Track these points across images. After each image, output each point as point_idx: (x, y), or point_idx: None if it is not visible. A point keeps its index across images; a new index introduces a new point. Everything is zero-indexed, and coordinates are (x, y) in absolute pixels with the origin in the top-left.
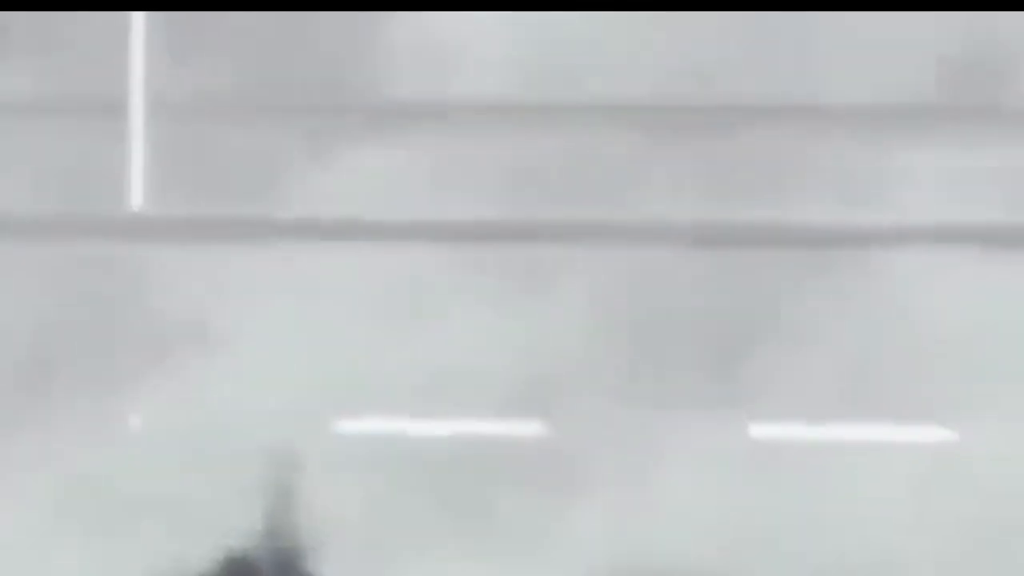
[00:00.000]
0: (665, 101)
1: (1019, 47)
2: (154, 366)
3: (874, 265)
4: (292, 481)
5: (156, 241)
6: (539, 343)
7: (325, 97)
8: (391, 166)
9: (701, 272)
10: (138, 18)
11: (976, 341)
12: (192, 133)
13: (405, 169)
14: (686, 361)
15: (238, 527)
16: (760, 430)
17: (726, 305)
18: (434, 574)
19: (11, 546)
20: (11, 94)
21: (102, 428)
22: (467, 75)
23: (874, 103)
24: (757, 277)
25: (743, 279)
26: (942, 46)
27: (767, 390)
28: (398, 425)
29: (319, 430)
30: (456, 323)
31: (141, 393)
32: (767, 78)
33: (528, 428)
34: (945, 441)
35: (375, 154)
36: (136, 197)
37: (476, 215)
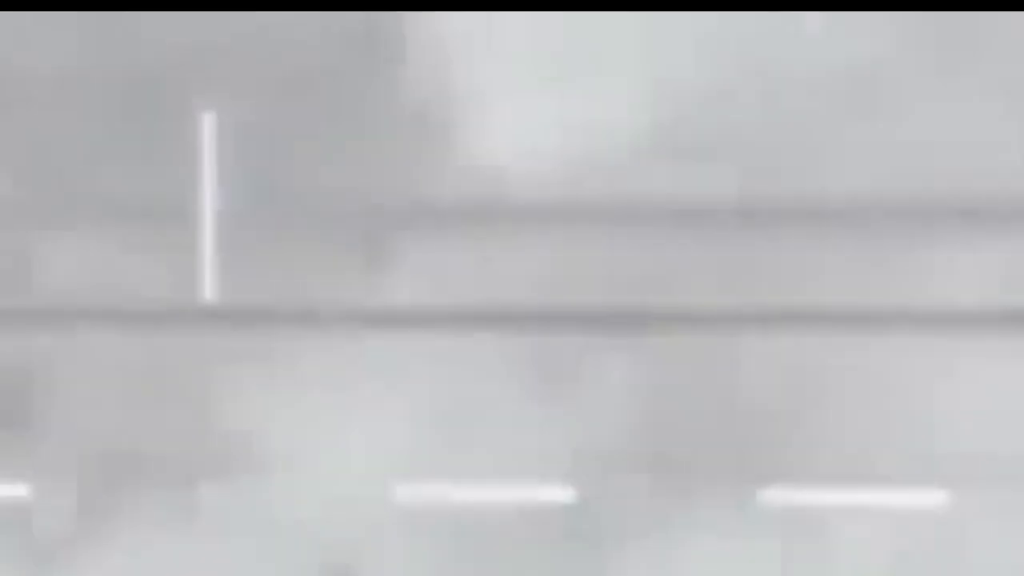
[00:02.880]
0: (706, 197)
1: None
2: (222, 456)
3: (888, 345)
4: (352, 562)
5: (224, 333)
6: (580, 428)
7: (382, 198)
8: (442, 262)
9: (738, 356)
10: (210, 129)
11: (980, 411)
12: (259, 234)
13: (456, 263)
14: (715, 443)
15: None
16: (776, 495)
17: (757, 390)
18: None
19: None
20: (87, 196)
21: (175, 519)
22: (515, 173)
23: (912, 195)
24: (787, 357)
25: (769, 360)
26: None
27: (797, 462)
28: (450, 500)
29: (376, 509)
30: (502, 410)
31: (211, 484)
32: (807, 172)
33: (564, 498)
34: (947, 505)
35: (428, 251)
36: (205, 292)
37: (522, 307)
